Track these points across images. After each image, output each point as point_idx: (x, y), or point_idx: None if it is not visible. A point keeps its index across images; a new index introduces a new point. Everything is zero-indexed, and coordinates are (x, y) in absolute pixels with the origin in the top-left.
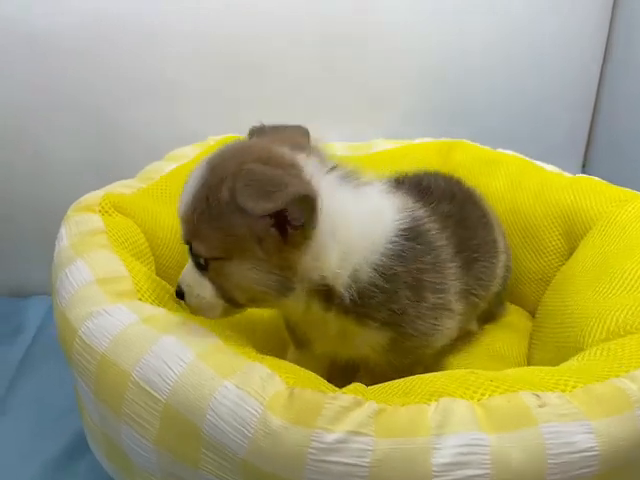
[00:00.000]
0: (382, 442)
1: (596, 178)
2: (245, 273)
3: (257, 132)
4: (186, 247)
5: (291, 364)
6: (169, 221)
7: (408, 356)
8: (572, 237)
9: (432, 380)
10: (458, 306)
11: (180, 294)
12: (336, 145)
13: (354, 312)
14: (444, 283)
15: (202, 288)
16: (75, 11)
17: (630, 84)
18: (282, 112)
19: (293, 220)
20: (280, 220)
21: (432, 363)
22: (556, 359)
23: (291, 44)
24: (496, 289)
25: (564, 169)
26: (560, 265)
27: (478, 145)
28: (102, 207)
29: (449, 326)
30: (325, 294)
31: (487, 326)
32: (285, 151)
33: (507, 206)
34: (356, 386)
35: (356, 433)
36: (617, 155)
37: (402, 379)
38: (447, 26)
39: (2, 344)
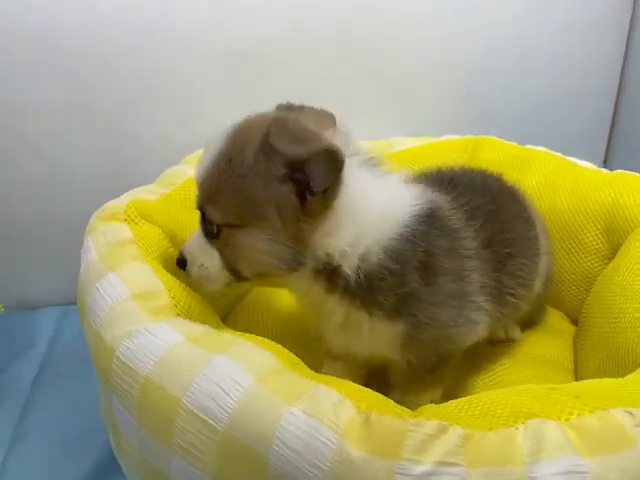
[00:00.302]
0: (475, 473)
1: (636, 174)
2: (257, 243)
3: (284, 109)
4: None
5: (356, 385)
6: (195, 227)
7: (428, 353)
8: (614, 236)
9: (512, 398)
10: (483, 300)
11: (182, 263)
12: (357, 144)
13: (359, 297)
14: (462, 271)
15: (208, 258)
16: (80, 9)
17: None
18: None
19: (315, 186)
20: (301, 187)
21: (465, 366)
22: (615, 369)
23: (309, 43)
24: (538, 290)
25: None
26: (602, 266)
27: (505, 141)
28: (128, 215)
29: (474, 319)
30: (330, 274)
31: (528, 330)
32: (310, 123)
33: (543, 205)
34: (427, 407)
35: (446, 464)
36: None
37: (474, 396)
38: (469, 21)
39: (15, 361)
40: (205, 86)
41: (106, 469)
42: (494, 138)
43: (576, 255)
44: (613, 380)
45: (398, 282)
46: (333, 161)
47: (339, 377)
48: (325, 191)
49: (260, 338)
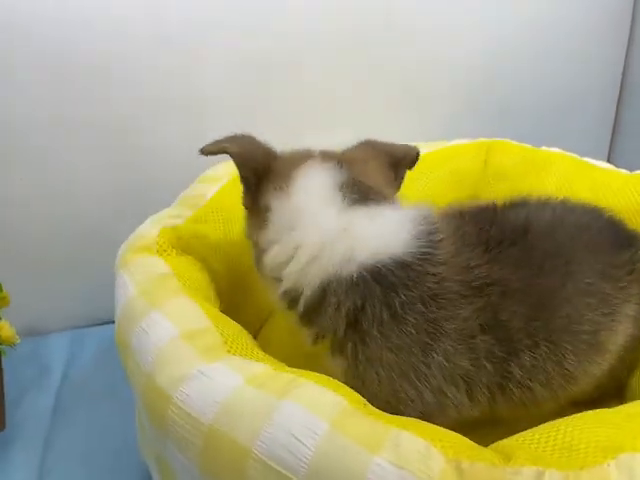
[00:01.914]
0: None
1: None
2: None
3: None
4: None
5: (438, 427)
6: (226, 249)
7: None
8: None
9: (591, 430)
10: (453, 392)
11: None
12: None
13: (305, 319)
14: (412, 346)
15: None
16: (89, 21)
17: None
18: (315, 123)
19: (244, 179)
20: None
21: None
22: None
23: (322, 47)
24: (605, 367)
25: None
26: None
27: (519, 144)
28: (160, 246)
29: (429, 400)
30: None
31: None
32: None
33: None
34: (518, 448)
35: None
36: None
37: (545, 428)
38: (482, 23)
39: (31, 389)
40: (217, 95)
41: None
42: (507, 141)
43: None
44: None
45: (332, 324)
46: (235, 158)
47: None
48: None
49: (320, 376)
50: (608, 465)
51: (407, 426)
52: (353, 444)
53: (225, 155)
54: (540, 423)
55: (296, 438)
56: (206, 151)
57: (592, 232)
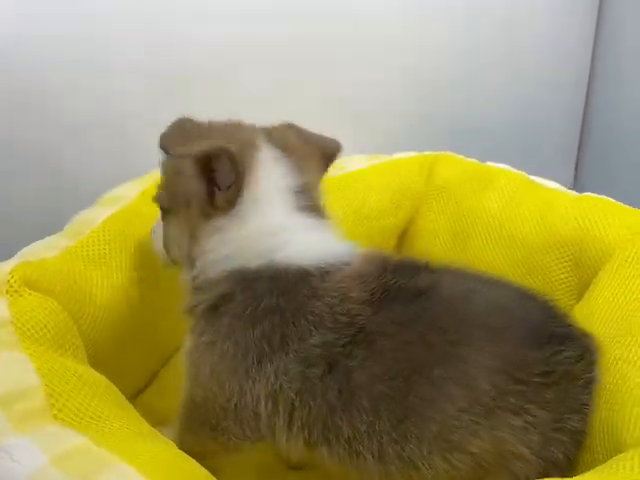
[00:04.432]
0: None
1: (606, 198)
2: (171, 228)
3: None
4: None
5: None
6: (104, 292)
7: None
8: (582, 270)
9: None
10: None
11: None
12: None
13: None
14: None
15: (157, 233)
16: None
17: (618, 91)
18: None
19: (220, 181)
20: (211, 184)
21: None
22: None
23: (259, 58)
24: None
25: (556, 178)
26: (572, 301)
27: (465, 159)
28: (10, 286)
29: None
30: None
31: None
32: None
33: (504, 232)
34: None
35: None
36: (609, 161)
37: None
38: (428, 35)
39: None
40: (145, 109)
41: None
42: (452, 154)
43: (544, 290)
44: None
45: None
46: (232, 161)
47: None
48: (229, 188)
49: (146, 454)
50: None
51: None
52: None
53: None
54: None
55: None
56: (195, 156)
57: (504, 317)
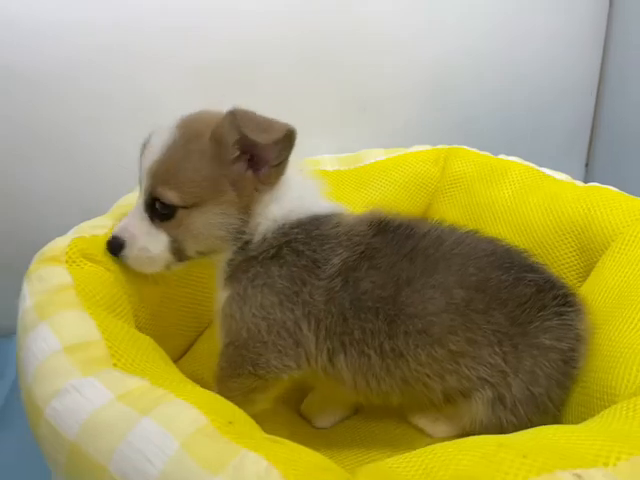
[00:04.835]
0: None
1: (611, 188)
2: (213, 218)
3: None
4: (141, 204)
5: (292, 446)
6: None
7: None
8: (588, 254)
9: (457, 457)
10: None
11: (117, 247)
12: (325, 158)
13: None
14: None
15: (152, 240)
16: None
17: (629, 85)
18: None
19: (274, 160)
20: (253, 163)
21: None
22: (583, 407)
23: (277, 55)
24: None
25: (567, 170)
26: (578, 283)
27: (478, 151)
28: (69, 257)
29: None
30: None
31: None
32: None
33: (515, 220)
34: (366, 468)
35: None
36: (620, 153)
37: (417, 452)
38: (442, 30)
39: None
40: (166, 102)
41: None
42: (466, 148)
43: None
44: (565, 429)
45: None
46: (291, 140)
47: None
48: (278, 164)
49: (198, 392)
50: None
51: (260, 448)
52: (197, 465)
53: None
54: None
55: (146, 457)
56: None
57: (480, 249)
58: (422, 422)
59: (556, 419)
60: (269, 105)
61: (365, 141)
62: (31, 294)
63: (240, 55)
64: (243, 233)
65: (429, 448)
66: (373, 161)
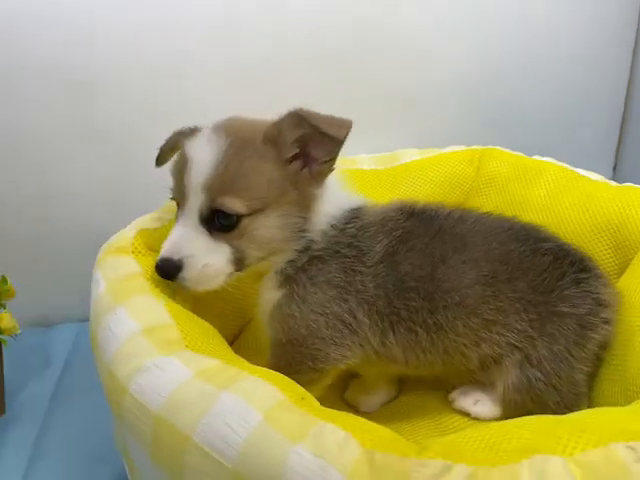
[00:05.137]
0: None
1: None
2: (276, 220)
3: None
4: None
5: (362, 419)
6: None
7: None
8: (623, 251)
9: (518, 431)
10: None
11: (175, 270)
12: (362, 157)
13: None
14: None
15: (214, 254)
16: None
17: None
18: None
19: (327, 155)
20: (305, 160)
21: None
22: (622, 394)
23: (312, 57)
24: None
25: (596, 170)
26: (613, 280)
27: (512, 152)
28: (135, 247)
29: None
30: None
31: None
32: None
33: (550, 219)
34: (436, 441)
35: None
36: None
37: (486, 427)
38: (475, 30)
39: (33, 378)
40: (207, 106)
41: None
42: (500, 149)
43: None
44: (617, 410)
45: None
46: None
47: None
48: (329, 161)
49: (266, 370)
50: (521, 465)
51: (335, 419)
52: (279, 434)
53: None
54: None
55: (230, 427)
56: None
57: (499, 227)
58: (465, 404)
59: (584, 374)
60: (305, 106)
61: (400, 141)
62: (105, 280)
63: (276, 55)
64: (305, 231)
65: (487, 426)
66: (409, 160)
